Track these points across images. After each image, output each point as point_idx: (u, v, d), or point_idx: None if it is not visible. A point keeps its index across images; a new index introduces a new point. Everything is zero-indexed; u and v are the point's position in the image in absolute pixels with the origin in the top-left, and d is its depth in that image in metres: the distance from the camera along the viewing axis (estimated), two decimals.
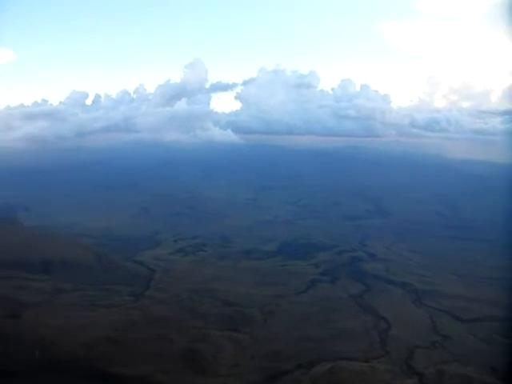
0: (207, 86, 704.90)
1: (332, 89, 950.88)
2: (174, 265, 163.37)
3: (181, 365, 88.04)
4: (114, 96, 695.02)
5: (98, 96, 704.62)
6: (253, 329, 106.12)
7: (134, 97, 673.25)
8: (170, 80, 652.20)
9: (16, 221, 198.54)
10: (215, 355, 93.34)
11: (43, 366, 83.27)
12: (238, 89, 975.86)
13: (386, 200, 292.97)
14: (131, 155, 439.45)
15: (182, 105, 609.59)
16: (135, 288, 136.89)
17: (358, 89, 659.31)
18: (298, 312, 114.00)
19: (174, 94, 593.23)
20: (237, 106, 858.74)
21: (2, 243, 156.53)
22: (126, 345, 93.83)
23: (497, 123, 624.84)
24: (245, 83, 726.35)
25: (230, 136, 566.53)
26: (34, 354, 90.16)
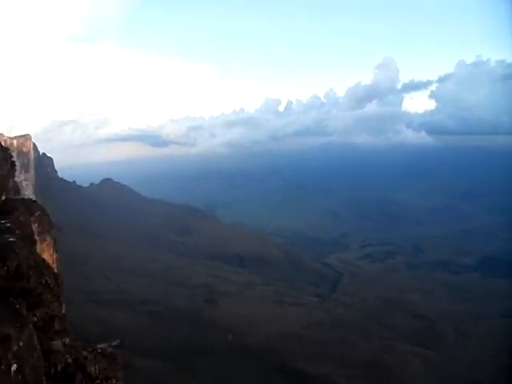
0: (399, 86, 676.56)
1: None
2: (362, 270, 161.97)
3: (363, 372, 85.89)
4: (304, 101, 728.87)
5: (289, 102, 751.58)
6: (444, 348, 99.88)
7: (325, 101, 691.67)
8: (360, 82, 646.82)
9: (216, 217, 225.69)
10: (401, 370, 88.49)
11: (233, 350, 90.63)
12: (433, 87, 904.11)
13: None
14: (322, 158, 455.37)
15: (372, 107, 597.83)
16: (322, 289, 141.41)
17: None
18: (500, 338, 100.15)
19: (364, 96, 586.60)
20: (431, 105, 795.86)
21: (204, 236, 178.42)
22: (311, 343, 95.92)
23: None
24: (440, 80, 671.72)
25: (423, 138, 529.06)
26: (226, 338, 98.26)
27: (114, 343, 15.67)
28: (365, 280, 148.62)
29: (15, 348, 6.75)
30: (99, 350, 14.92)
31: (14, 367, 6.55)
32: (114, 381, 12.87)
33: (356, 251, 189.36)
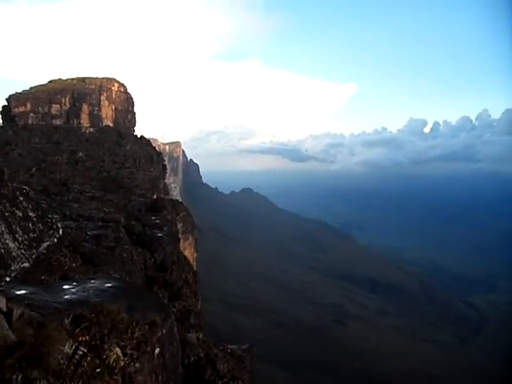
0: None
1: None
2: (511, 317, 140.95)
3: None
4: (453, 123, 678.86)
5: (436, 123, 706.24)
6: None
7: (476, 123, 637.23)
8: None
9: (351, 237, 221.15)
10: None
11: (358, 376, 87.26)
12: None
13: None
14: (469, 186, 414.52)
15: None
16: (461, 330, 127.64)
17: None
18: None
19: None
20: None
21: (338, 255, 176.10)
22: None
23: None
24: None
25: None
26: (353, 363, 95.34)
27: (243, 347, 16.31)
28: None
29: (159, 334, 7.49)
30: (229, 350, 15.75)
31: (156, 351, 7.25)
32: (239, 382, 13.38)
33: (505, 294, 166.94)
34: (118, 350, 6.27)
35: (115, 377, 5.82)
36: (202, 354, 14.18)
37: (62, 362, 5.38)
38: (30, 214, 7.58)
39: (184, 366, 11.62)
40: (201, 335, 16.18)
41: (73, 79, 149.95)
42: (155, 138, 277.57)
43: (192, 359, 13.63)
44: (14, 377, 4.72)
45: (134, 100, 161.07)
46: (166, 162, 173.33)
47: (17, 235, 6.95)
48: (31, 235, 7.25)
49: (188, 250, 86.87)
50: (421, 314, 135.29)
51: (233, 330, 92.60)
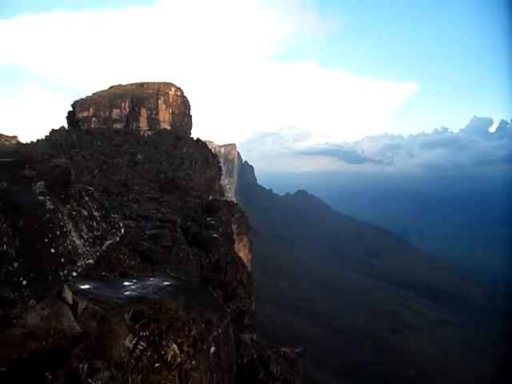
0: None
1: None
2: None
3: None
4: None
5: (503, 122, 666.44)
6: None
7: None
8: None
9: (408, 242, 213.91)
10: None
11: None
12: None
13: None
14: None
15: None
16: None
17: None
18: None
19: None
20: None
21: (394, 261, 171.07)
22: None
23: None
24: None
25: None
26: (408, 372, 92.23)
27: (297, 350, 16.30)
28: None
29: (215, 333, 7.66)
30: (282, 353, 15.78)
31: (212, 350, 7.41)
32: None
33: None
34: (175, 346, 6.47)
35: (173, 373, 6.02)
36: (255, 355, 14.31)
37: (123, 355, 5.63)
38: (95, 213, 7.99)
39: (238, 366, 11.76)
40: (254, 336, 16.34)
41: (132, 84, 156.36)
42: (211, 140, 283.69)
43: (245, 360, 13.79)
44: (81, 365, 5.00)
45: (190, 103, 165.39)
46: (222, 164, 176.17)
47: (82, 233, 7.34)
48: (95, 233, 7.63)
49: (242, 251, 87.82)
50: (486, 327, 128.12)
51: (285, 332, 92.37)
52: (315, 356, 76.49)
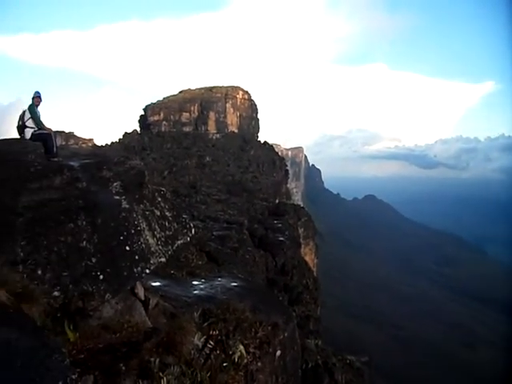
0: None
1: None
2: None
3: None
4: None
5: None
6: None
7: None
8: None
9: (484, 252, 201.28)
10: None
11: None
12: None
13: None
14: None
15: None
16: None
17: None
18: None
19: None
20: None
21: (469, 272, 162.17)
22: None
23: None
24: None
25: None
26: None
27: (363, 359, 15.91)
28: None
29: (281, 336, 7.66)
30: (348, 361, 15.45)
31: (278, 353, 7.42)
32: None
33: None
34: (241, 347, 6.55)
35: (240, 373, 6.09)
36: (320, 362, 14.13)
37: (192, 352, 5.79)
38: (167, 213, 8.30)
39: (302, 372, 11.68)
40: (319, 342, 16.16)
41: (201, 89, 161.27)
42: (278, 143, 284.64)
43: (310, 365, 13.65)
44: (152, 359, 5.20)
45: (257, 106, 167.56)
46: (289, 167, 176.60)
47: (155, 232, 7.66)
48: (167, 233, 7.93)
49: (309, 256, 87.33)
50: None
51: (350, 340, 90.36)
52: (381, 367, 74.18)
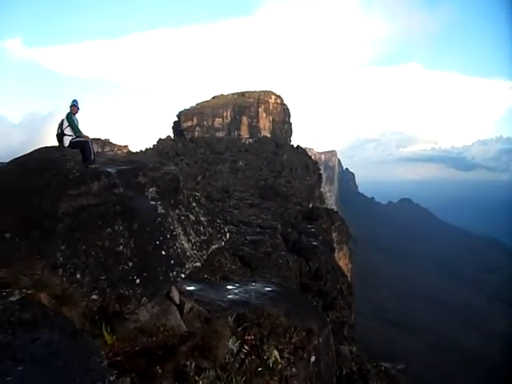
0: None
1: None
2: None
3: None
4: None
5: None
6: None
7: None
8: None
9: None
10: None
11: None
12: None
13: None
14: None
15: None
16: None
17: None
18: None
19: None
20: None
21: (510, 278, 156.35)
22: None
23: None
24: None
25: None
26: None
27: (399, 367, 15.58)
28: None
29: (316, 342, 7.60)
30: (383, 368, 15.17)
31: (312, 359, 7.37)
32: None
33: None
34: (276, 352, 6.54)
35: (274, 378, 6.09)
36: (354, 368, 13.93)
37: (227, 356, 5.83)
38: (202, 218, 8.40)
39: (336, 378, 11.55)
40: (354, 349, 15.94)
41: (233, 94, 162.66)
42: (311, 147, 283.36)
43: (344, 372, 13.47)
44: (188, 363, 5.26)
45: (289, 111, 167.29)
46: (322, 171, 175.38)
47: (190, 237, 7.76)
48: (202, 237, 8.02)
49: (342, 261, 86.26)
50: None
51: (386, 347, 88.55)
52: (418, 375, 72.36)
